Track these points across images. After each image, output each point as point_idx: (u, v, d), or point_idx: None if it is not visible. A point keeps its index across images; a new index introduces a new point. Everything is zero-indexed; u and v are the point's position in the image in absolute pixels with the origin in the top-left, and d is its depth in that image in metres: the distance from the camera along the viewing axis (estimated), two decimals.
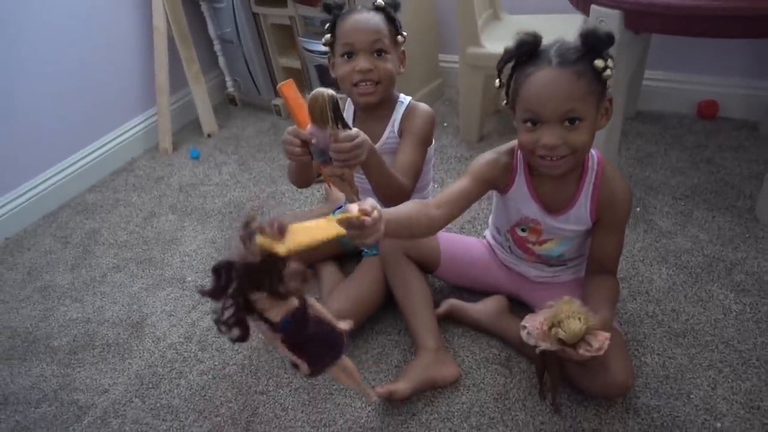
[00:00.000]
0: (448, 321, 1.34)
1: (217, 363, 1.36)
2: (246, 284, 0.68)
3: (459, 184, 1.11)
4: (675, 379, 1.16)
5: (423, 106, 1.30)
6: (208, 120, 2.39)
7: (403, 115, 1.29)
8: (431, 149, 1.34)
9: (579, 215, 1.12)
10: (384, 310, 1.37)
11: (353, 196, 1.17)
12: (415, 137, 1.26)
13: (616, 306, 1.18)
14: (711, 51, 1.85)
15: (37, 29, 1.94)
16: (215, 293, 0.69)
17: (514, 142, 1.12)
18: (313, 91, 0.99)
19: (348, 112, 1.36)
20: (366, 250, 1.45)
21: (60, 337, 1.53)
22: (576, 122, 0.97)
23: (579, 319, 0.95)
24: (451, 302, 1.34)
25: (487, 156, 1.14)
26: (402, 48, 1.27)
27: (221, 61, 2.49)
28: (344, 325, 0.82)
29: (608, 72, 0.95)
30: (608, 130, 1.45)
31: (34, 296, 1.69)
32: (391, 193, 1.19)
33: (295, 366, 0.79)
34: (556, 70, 0.96)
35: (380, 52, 1.21)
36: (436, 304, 1.33)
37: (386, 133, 1.30)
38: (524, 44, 0.99)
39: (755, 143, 1.78)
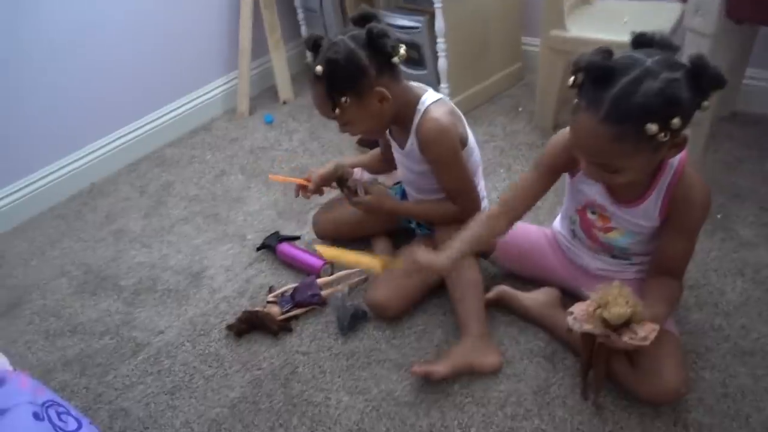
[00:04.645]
0: (498, 308, 1.32)
1: None
2: None
3: (523, 182, 1.14)
4: (734, 398, 1.07)
5: (433, 124, 1.19)
6: (285, 87, 2.44)
7: (417, 125, 1.22)
8: (469, 145, 1.27)
9: (647, 211, 1.05)
10: (432, 289, 1.36)
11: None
12: (442, 162, 1.23)
13: (673, 307, 1.10)
14: None
15: None
16: None
17: None
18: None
19: None
20: (419, 229, 1.44)
21: (127, 278, 1.63)
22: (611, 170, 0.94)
23: (626, 302, 0.92)
24: (503, 289, 1.31)
25: (560, 138, 1.09)
26: (376, 88, 1.15)
27: (303, 30, 2.52)
28: None
29: (662, 137, 0.84)
30: (693, 132, 1.34)
31: (108, 238, 1.81)
32: (439, 222, 1.30)
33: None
34: (598, 124, 0.87)
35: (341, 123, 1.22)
36: (487, 290, 1.30)
37: (409, 142, 1.26)
38: (590, 70, 0.87)
39: None
